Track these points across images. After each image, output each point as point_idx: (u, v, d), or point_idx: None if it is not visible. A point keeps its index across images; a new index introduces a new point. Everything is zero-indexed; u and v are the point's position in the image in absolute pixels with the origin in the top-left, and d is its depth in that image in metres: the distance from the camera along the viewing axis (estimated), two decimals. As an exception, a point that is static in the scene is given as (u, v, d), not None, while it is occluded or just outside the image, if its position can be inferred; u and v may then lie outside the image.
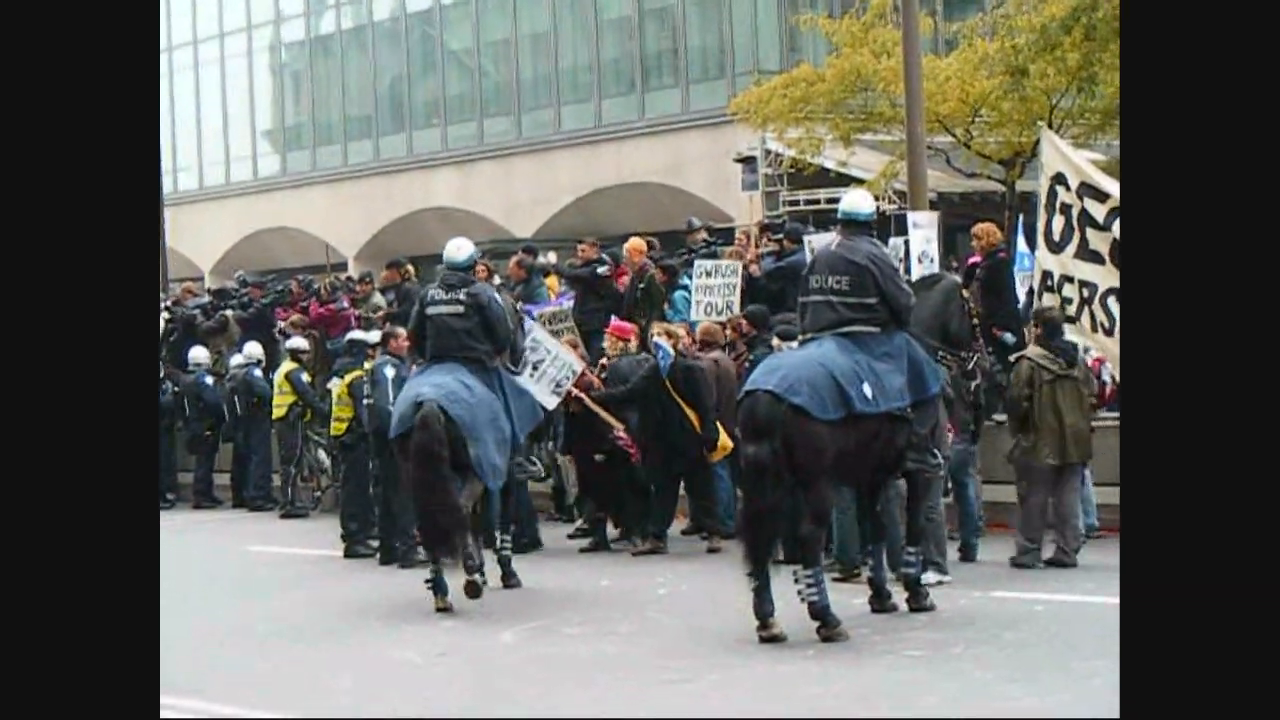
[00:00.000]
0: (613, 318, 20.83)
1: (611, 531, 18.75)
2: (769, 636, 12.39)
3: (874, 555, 13.76)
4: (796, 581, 12.52)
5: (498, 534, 15.98)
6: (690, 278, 21.32)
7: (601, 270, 22.41)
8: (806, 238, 20.61)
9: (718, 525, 18.12)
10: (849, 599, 13.51)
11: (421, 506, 14.81)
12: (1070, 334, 16.99)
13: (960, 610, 13.62)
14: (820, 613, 12.48)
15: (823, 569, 12.82)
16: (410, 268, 25.92)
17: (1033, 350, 16.15)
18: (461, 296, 15.20)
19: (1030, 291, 19.38)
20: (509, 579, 15.84)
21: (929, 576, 14.81)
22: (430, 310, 15.40)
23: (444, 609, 14.58)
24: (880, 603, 13.52)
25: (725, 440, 17.80)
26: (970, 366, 14.44)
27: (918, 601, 13.50)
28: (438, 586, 14.70)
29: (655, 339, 18.23)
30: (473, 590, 14.61)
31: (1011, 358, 16.19)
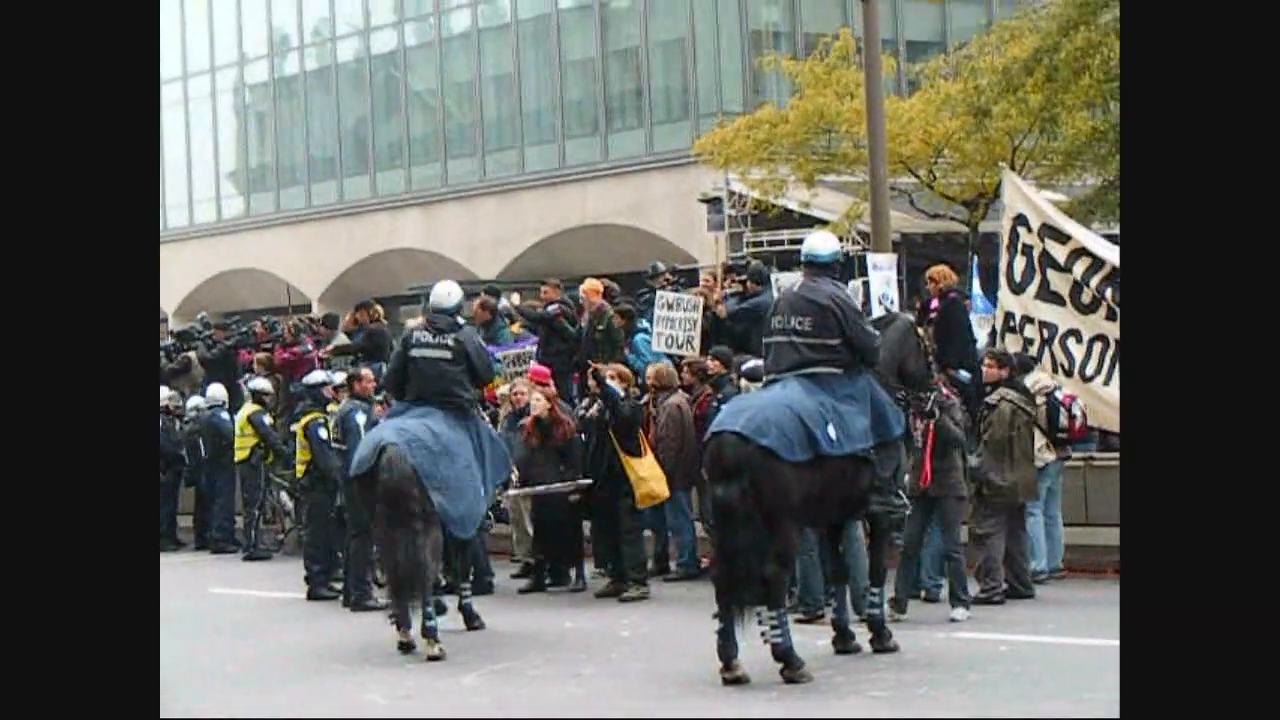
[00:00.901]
0: (531, 363, 20.87)
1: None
2: (733, 678, 12.38)
3: (837, 596, 13.76)
4: (760, 623, 12.52)
5: (462, 583, 15.94)
6: (650, 321, 21.34)
7: (551, 309, 22.39)
8: (775, 277, 20.65)
9: (632, 574, 18.05)
10: (812, 640, 13.51)
11: (388, 549, 14.74)
12: (1037, 374, 17.07)
13: (924, 651, 13.62)
14: (784, 654, 12.47)
15: (786, 610, 12.82)
16: (379, 308, 25.88)
17: (1008, 392, 16.21)
18: (449, 341, 15.09)
19: (992, 332, 19.47)
20: (472, 622, 15.80)
21: (958, 613, 14.89)
22: (415, 353, 15.24)
23: (406, 644, 14.52)
24: (844, 643, 13.52)
25: (653, 488, 17.78)
26: (928, 406, 14.46)
27: (881, 642, 13.51)
28: (400, 620, 14.63)
29: (608, 380, 18.22)
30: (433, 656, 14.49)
31: (990, 399, 16.20)
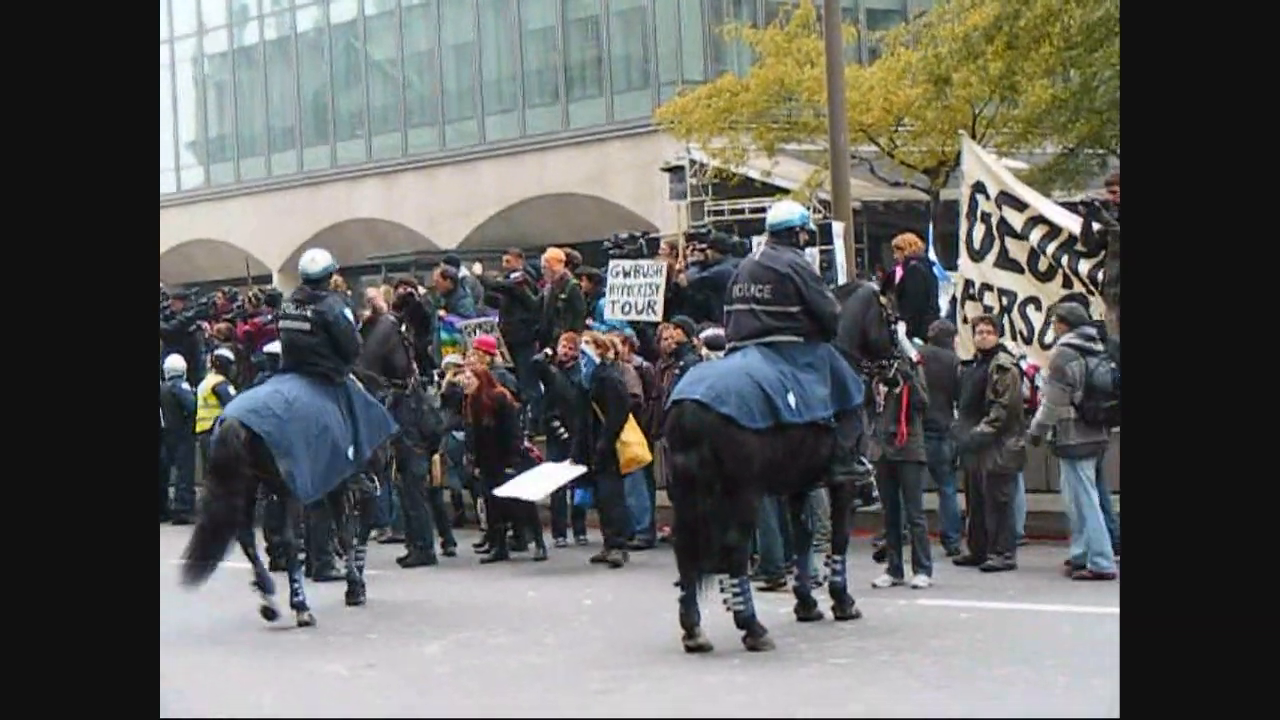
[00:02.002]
0: (478, 333, 20.90)
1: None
2: (695, 646, 12.38)
3: (799, 564, 13.79)
4: (722, 591, 12.53)
5: (353, 549, 16.05)
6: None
7: (514, 276, 22.39)
8: (758, 241, 20.66)
9: (620, 540, 18.11)
10: (775, 608, 13.52)
11: (208, 516, 14.72)
12: (1004, 342, 17.09)
13: (886, 618, 13.65)
14: (746, 622, 12.49)
15: (748, 578, 12.84)
16: (339, 279, 25.78)
17: (1005, 359, 16.25)
18: (308, 313, 15.16)
19: (953, 300, 19.51)
20: (354, 596, 15.83)
21: (920, 580, 14.94)
22: (281, 324, 15.61)
23: (268, 609, 14.65)
24: (806, 611, 13.55)
25: (636, 453, 17.86)
26: (891, 374, 14.47)
27: (843, 610, 13.53)
28: (263, 586, 14.80)
29: (583, 346, 18.28)
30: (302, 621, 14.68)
31: (1002, 362, 16.20)
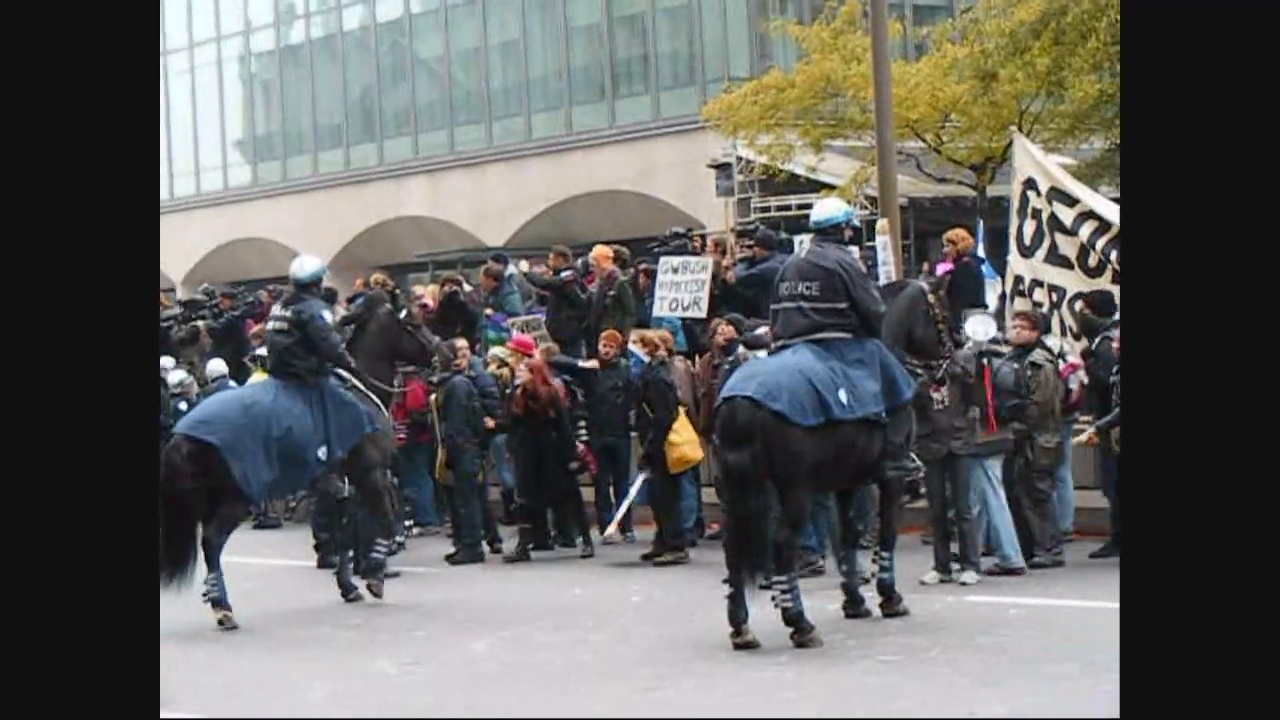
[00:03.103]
0: (514, 333, 20.90)
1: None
2: (743, 643, 12.38)
3: (847, 561, 13.76)
4: (771, 588, 12.52)
5: (347, 553, 16.19)
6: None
7: (564, 274, 22.39)
8: (800, 240, 20.58)
9: (679, 539, 18.09)
10: (823, 605, 13.51)
11: (163, 538, 14.52)
12: (1051, 340, 17.05)
13: (934, 615, 13.63)
14: (794, 619, 12.48)
15: (797, 575, 12.82)
16: (382, 276, 25.82)
17: (1040, 355, 16.22)
18: (288, 314, 15.50)
19: (1002, 296, 19.44)
20: (347, 593, 15.94)
21: (968, 576, 14.90)
22: (268, 326, 16.02)
23: (225, 620, 14.70)
24: (854, 608, 13.53)
25: (685, 452, 17.84)
26: (940, 374, 14.43)
27: (891, 606, 13.51)
28: (216, 601, 14.83)
29: (631, 345, 18.29)
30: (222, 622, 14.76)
31: (1035, 359, 16.20)
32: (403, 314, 16.72)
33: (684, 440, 17.91)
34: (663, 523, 18.15)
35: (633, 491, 18.31)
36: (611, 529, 18.42)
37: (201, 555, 14.94)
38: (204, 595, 14.81)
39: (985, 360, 15.64)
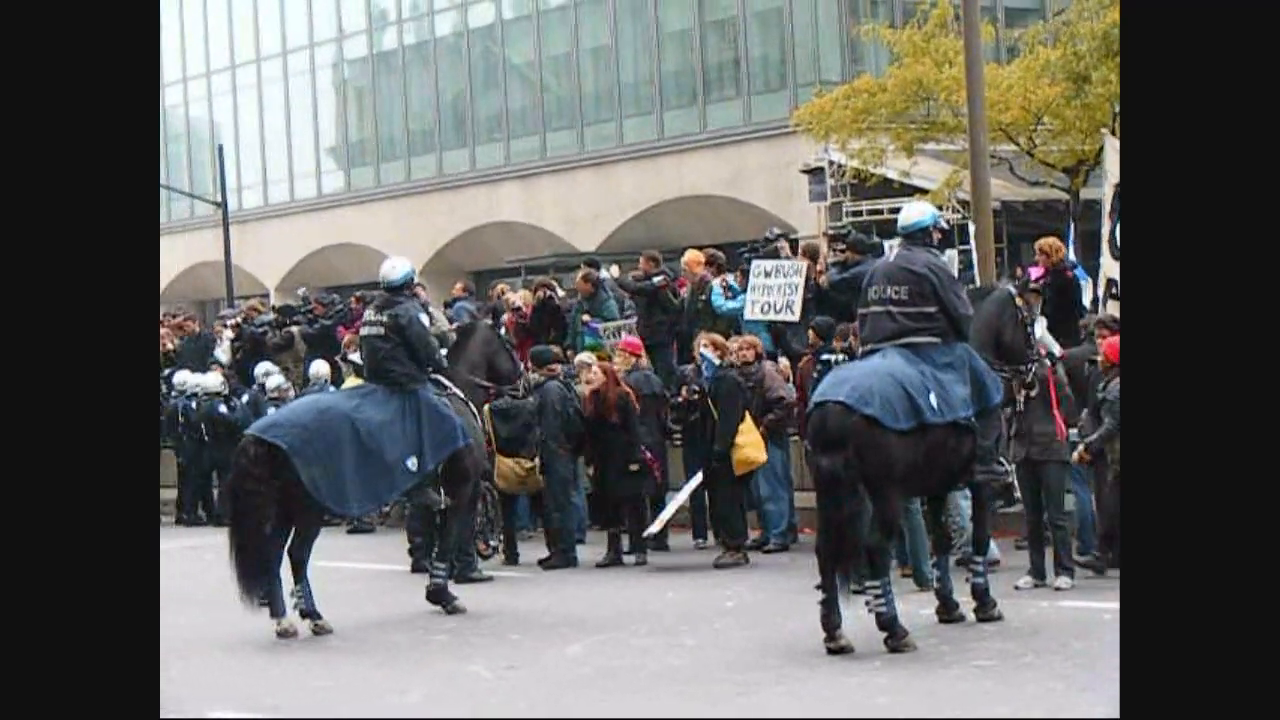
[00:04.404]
0: (623, 335, 20.92)
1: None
2: (836, 648, 12.38)
3: (941, 565, 13.74)
4: (864, 592, 12.51)
5: (435, 564, 15.80)
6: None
7: (656, 279, 22.40)
8: (888, 243, 20.56)
9: (738, 541, 18.10)
10: (916, 609, 13.49)
11: (232, 542, 14.64)
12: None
13: (1028, 620, 13.57)
14: (888, 623, 12.46)
15: (890, 580, 12.81)
16: (464, 283, 25.97)
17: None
18: (384, 318, 15.20)
19: (1094, 299, 19.36)
20: (445, 604, 15.59)
21: (1062, 581, 14.88)
22: (361, 331, 15.71)
23: (284, 631, 14.51)
24: (948, 613, 13.49)
25: (749, 455, 17.84)
26: (1029, 378, 14.38)
27: (985, 611, 13.47)
28: (273, 610, 14.60)
29: (701, 349, 18.31)
30: (284, 634, 14.55)
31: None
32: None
33: (748, 442, 17.94)
34: (723, 527, 18.25)
35: (684, 493, 18.37)
36: (655, 527, 18.40)
37: (289, 566, 14.88)
38: (293, 607, 14.78)
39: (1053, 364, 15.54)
